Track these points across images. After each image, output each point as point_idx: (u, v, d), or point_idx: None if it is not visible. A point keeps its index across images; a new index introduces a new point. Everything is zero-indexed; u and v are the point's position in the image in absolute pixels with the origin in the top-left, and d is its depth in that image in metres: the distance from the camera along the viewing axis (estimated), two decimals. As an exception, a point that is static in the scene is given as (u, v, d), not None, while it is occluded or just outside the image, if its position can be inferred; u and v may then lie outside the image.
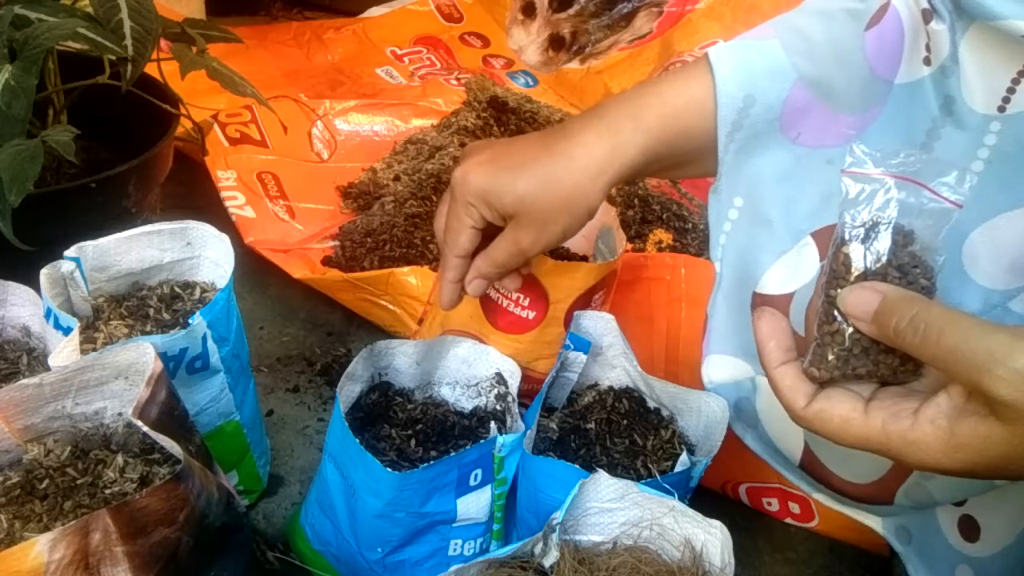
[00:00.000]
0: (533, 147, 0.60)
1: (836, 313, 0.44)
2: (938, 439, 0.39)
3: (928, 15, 0.53)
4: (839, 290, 0.44)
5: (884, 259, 0.44)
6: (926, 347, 0.40)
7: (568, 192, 0.57)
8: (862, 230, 0.45)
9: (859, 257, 0.44)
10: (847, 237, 0.45)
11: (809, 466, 0.64)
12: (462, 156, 0.62)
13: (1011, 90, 0.49)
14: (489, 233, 0.62)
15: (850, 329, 0.44)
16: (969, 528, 0.57)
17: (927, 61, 0.54)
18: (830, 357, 0.44)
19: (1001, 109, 0.50)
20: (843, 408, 0.43)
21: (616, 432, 0.69)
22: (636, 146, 0.58)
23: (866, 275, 0.44)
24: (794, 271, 0.60)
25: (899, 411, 0.41)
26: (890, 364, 0.44)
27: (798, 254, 0.60)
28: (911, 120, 0.54)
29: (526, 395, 0.73)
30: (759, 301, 0.62)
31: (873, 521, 0.64)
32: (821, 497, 0.65)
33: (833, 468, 0.62)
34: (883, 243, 0.44)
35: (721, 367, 0.66)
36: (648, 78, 1.07)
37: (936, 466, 0.40)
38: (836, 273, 0.45)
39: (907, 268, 0.44)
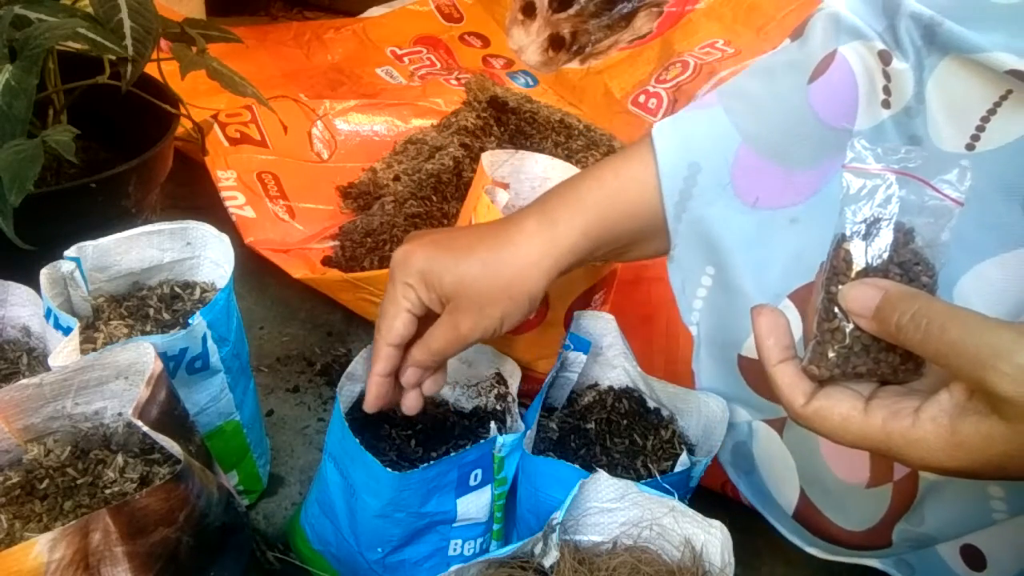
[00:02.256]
0: (477, 233, 0.61)
1: (836, 310, 0.44)
2: (939, 437, 0.39)
3: (887, 56, 0.52)
4: (840, 287, 0.44)
5: (886, 256, 0.44)
6: (928, 343, 0.39)
7: (509, 277, 0.58)
8: (863, 226, 0.44)
9: (860, 253, 0.44)
10: (848, 233, 0.44)
11: (805, 514, 0.62)
12: (406, 240, 0.62)
13: (980, 128, 0.48)
14: (422, 328, 0.61)
15: (851, 326, 0.43)
16: (973, 557, 0.56)
17: (886, 104, 0.52)
18: (830, 355, 0.44)
19: (970, 147, 0.49)
20: (843, 406, 0.43)
21: (616, 432, 0.69)
22: (576, 231, 0.58)
23: (867, 272, 0.44)
24: None
25: (900, 409, 0.41)
26: (891, 362, 0.43)
27: None
28: None
29: (526, 395, 0.73)
30: (746, 364, 0.61)
31: (872, 562, 0.63)
32: (816, 551, 0.64)
33: (830, 515, 0.61)
34: (884, 240, 0.44)
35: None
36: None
37: (937, 465, 0.40)
38: (837, 270, 0.44)
39: (909, 265, 0.44)
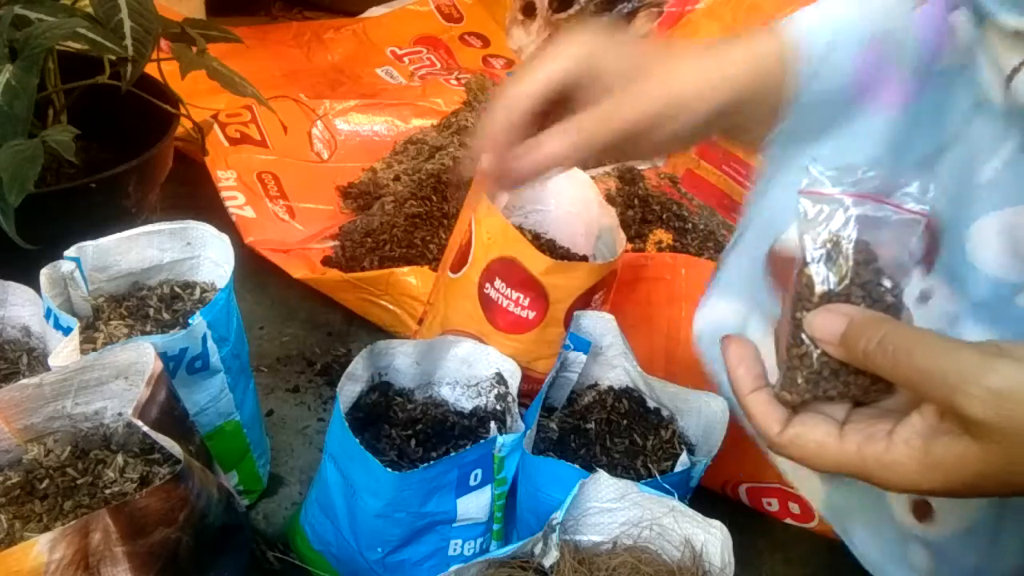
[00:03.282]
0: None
1: (804, 336, 0.44)
2: (913, 459, 0.39)
3: (952, 3, 0.52)
4: (805, 313, 0.44)
5: (847, 279, 0.43)
6: (898, 369, 0.39)
7: (684, 81, 0.52)
8: (823, 251, 0.44)
9: (821, 278, 0.44)
10: (808, 259, 0.44)
11: None
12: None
13: (1006, 85, 0.49)
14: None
15: (818, 351, 0.43)
16: (922, 507, 0.55)
17: (956, 49, 0.52)
18: (800, 380, 0.44)
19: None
20: (818, 433, 0.43)
21: (616, 432, 0.69)
22: (742, 63, 0.54)
23: (830, 296, 0.43)
24: None
25: (873, 433, 0.41)
26: (861, 384, 0.43)
27: None
28: (945, 107, 0.53)
29: (526, 395, 0.73)
30: (776, 261, 0.58)
31: (812, 495, 0.62)
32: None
33: None
34: (845, 262, 0.44)
35: (713, 310, 0.64)
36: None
37: (913, 487, 0.40)
38: (800, 296, 0.44)
39: (871, 286, 0.43)
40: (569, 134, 0.52)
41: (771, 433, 0.44)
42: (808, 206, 0.45)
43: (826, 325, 0.42)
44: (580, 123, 0.52)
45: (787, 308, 0.45)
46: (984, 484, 0.38)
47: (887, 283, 0.44)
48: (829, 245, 0.44)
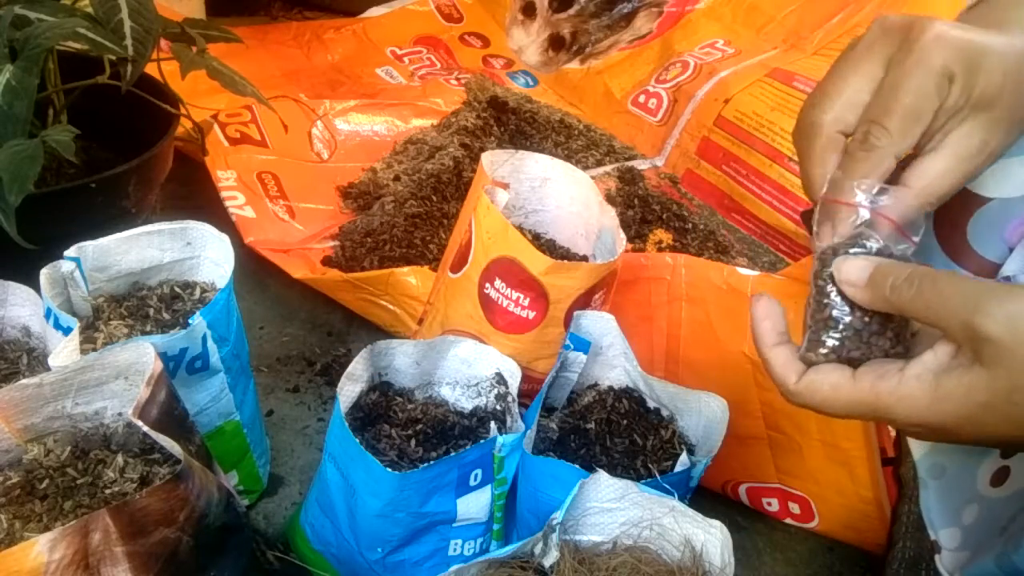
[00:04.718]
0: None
1: (826, 301, 0.46)
2: (924, 393, 0.41)
3: None
4: (826, 273, 0.46)
5: (869, 249, 0.46)
6: (919, 298, 0.41)
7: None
8: (844, 237, 0.47)
9: (845, 247, 0.46)
10: (833, 242, 0.47)
11: None
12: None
13: None
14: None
15: (843, 315, 0.45)
16: (1000, 476, 0.57)
17: None
18: (825, 341, 0.46)
19: None
20: (832, 377, 0.45)
21: (616, 432, 0.69)
22: None
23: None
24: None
25: (885, 372, 0.43)
26: (881, 346, 0.45)
27: None
28: None
29: (526, 395, 0.73)
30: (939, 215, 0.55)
31: (916, 450, 0.63)
32: None
33: None
34: (864, 245, 0.46)
35: None
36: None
37: (920, 421, 0.42)
38: (824, 263, 0.47)
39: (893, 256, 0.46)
40: (917, 192, 0.46)
41: (788, 382, 0.46)
42: (826, 207, 0.48)
43: (855, 269, 0.44)
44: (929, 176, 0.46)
45: (812, 275, 0.48)
46: (987, 418, 0.40)
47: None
48: (847, 236, 0.46)
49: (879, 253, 0.46)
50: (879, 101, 0.45)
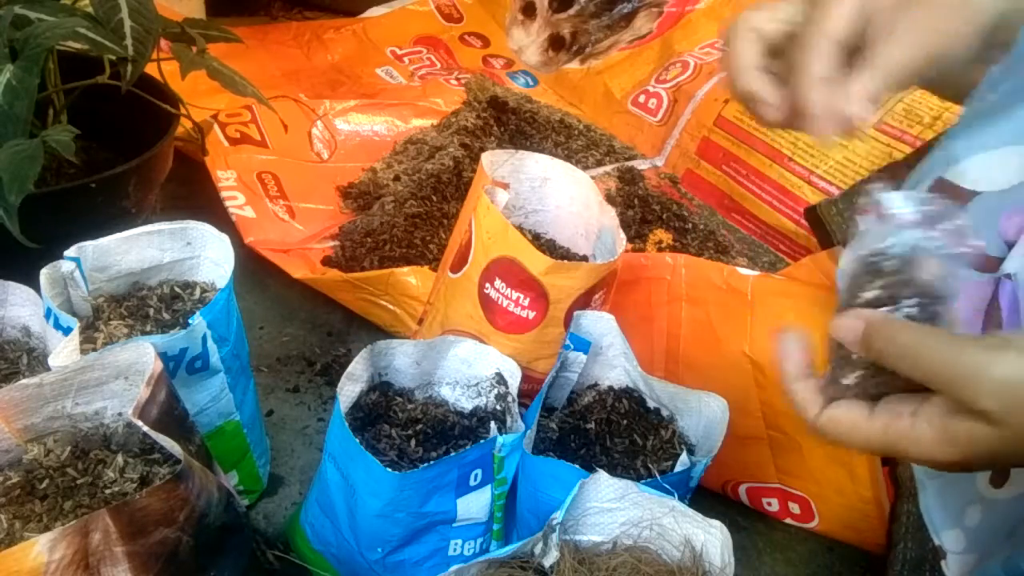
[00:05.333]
0: None
1: None
2: (934, 435, 0.42)
3: None
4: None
5: (882, 292, 0.45)
6: (915, 370, 0.42)
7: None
8: (864, 265, 0.46)
9: (868, 284, 0.46)
10: (850, 271, 0.47)
11: None
12: None
13: None
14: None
15: (860, 356, 0.46)
16: (1000, 477, 0.58)
17: None
18: (844, 380, 0.47)
19: None
20: (851, 414, 0.46)
21: (616, 432, 0.69)
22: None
23: (879, 302, 0.45)
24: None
25: (899, 413, 0.44)
26: (898, 384, 0.46)
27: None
28: None
29: (526, 395, 0.73)
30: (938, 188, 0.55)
31: None
32: None
33: None
34: (881, 278, 0.46)
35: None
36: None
37: (931, 460, 0.43)
38: (848, 303, 0.47)
39: (903, 299, 0.45)
40: (869, 76, 0.48)
41: (810, 415, 0.48)
42: (863, 225, 0.47)
43: (848, 329, 0.46)
44: (880, 61, 0.48)
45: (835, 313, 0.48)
46: (996, 460, 0.42)
47: (923, 300, 0.45)
48: (871, 260, 0.46)
49: (901, 282, 0.44)
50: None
